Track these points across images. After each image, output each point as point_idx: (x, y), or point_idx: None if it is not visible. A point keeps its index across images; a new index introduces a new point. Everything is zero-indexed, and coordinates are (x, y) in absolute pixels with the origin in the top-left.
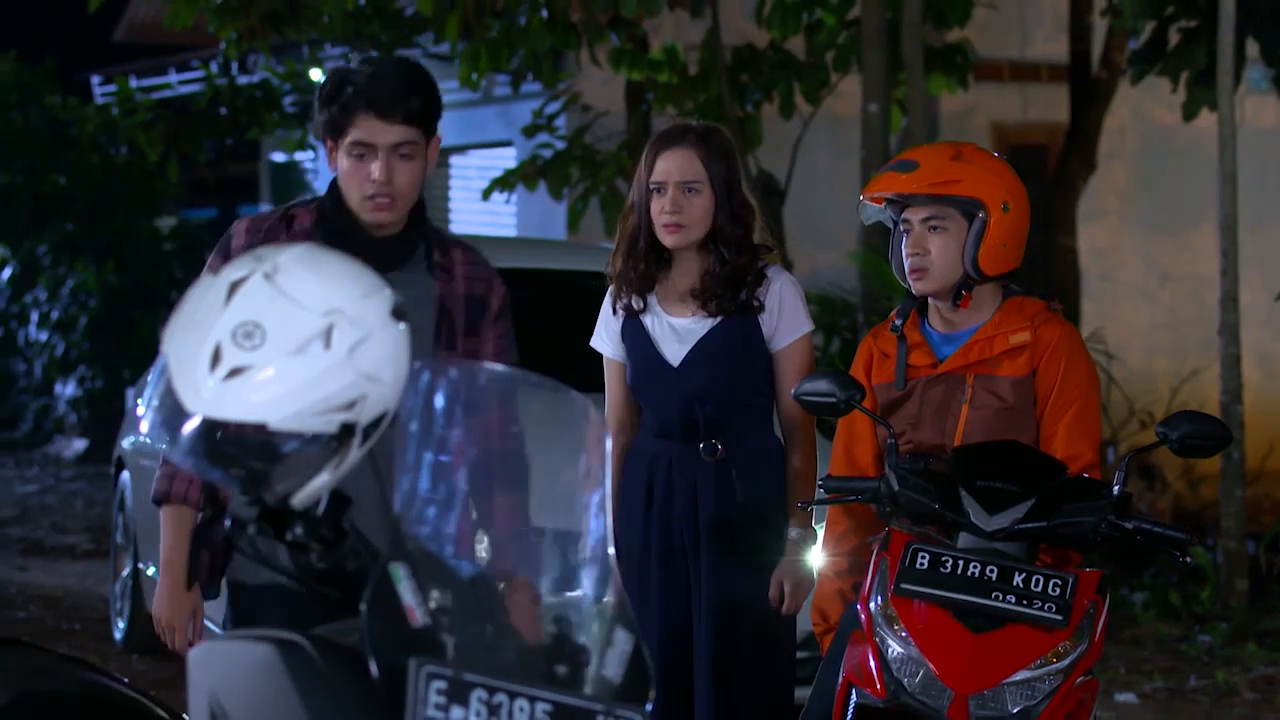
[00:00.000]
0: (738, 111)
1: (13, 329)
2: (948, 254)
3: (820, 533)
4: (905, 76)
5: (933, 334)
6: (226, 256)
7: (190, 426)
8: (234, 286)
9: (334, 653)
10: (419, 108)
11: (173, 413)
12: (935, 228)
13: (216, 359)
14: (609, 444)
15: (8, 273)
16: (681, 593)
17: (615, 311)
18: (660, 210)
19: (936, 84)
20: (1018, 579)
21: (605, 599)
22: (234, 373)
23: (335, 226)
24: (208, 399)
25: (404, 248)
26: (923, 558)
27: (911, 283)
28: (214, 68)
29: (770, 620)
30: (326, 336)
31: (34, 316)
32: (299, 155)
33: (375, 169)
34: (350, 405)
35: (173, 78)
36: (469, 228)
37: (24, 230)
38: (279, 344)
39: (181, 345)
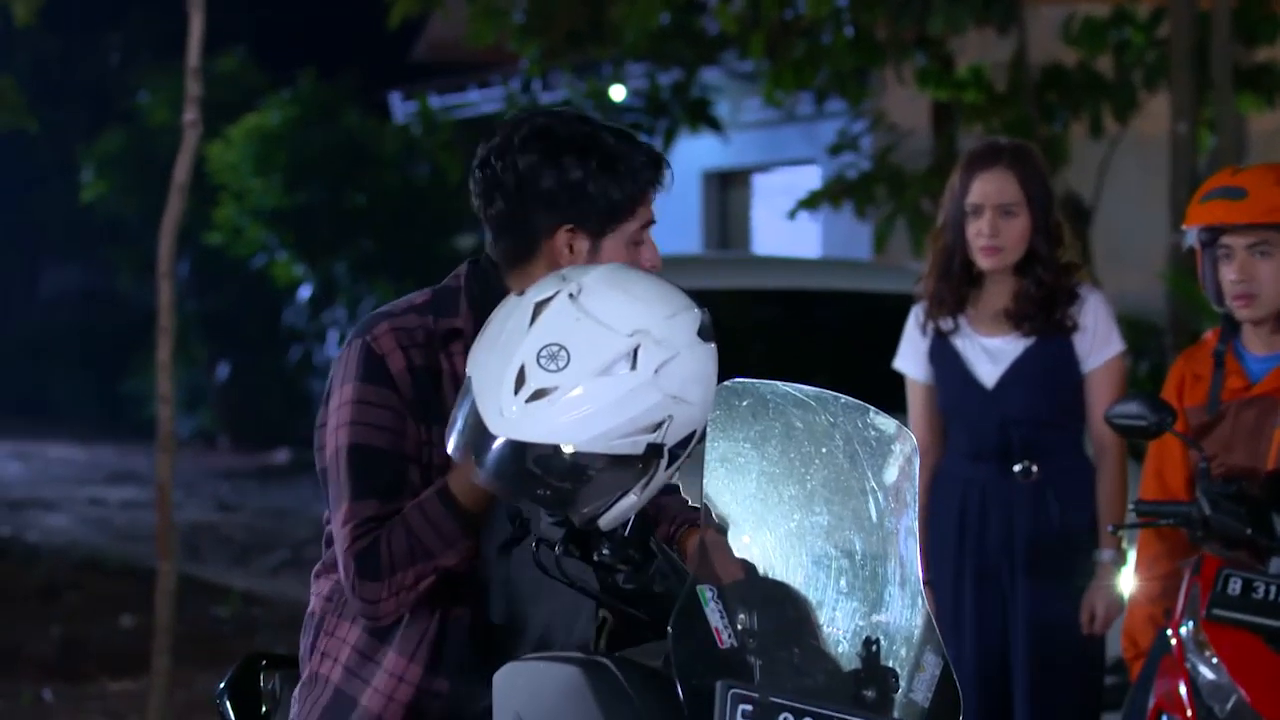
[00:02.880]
0: (1045, 131)
1: (311, 348)
2: (1277, 279)
3: (1131, 556)
4: (1214, 96)
5: (1245, 356)
6: (375, 376)
7: (497, 447)
8: (539, 308)
9: (639, 674)
10: None
11: (477, 434)
12: (1264, 253)
13: (521, 381)
14: (918, 466)
15: (307, 292)
16: (996, 616)
17: (924, 332)
18: (977, 233)
19: (1245, 103)
20: None
21: (914, 622)
22: (538, 394)
23: None
24: (512, 421)
25: None
26: (1235, 583)
27: (1236, 308)
28: (515, 86)
29: (1083, 644)
30: (632, 357)
31: (332, 335)
32: None
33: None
34: (657, 426)
35: (473, 95)
36: (772, 247)
37: (323, 249)
38: (584, 365)
39: (486, 367)
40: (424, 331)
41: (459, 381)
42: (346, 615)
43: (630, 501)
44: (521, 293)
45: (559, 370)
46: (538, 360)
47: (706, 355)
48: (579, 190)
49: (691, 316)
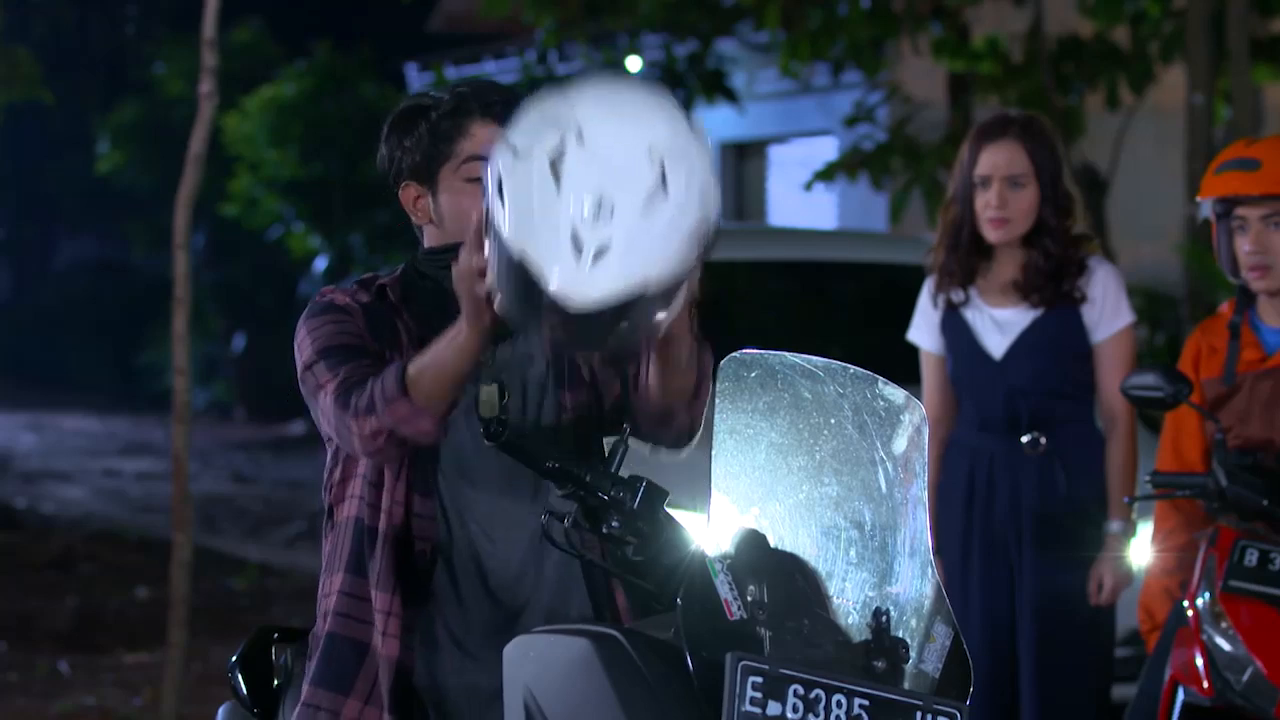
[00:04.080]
0: (1061, 102)
1: None
2: None
3: (1140, 527)
4: (1230, 67)
5: (1262, 327)
6: (322, 310)
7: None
8: (555, 166)
9: (649, 647)
10: None
11: (526, 298)
12: (1278, 224)
13: (578, 245)
14: (927, 436)
15: (322, 263)
16: (1003, 588)
17: (935, 304)
18: (985, 205)
19: (1261, 74)
20: None
21: (924, 593)
22: (601, 252)
23: (431, 297)
24: (588, 285)
25: None
26: (1251, 554)
27: (1251, 280)
28: (530, 57)
29: (1092, 616)
30: (663, 180)
31: None
32: None
33: None
34: (700, 238)
35: (489, 66)
36: (788, 218)
37: (338, 220)
38: (628, 207)
39: (535, 237)
40: (363, 289)
41: (409, 329)
42: (333, 569)
43: (662, 317)
44: (515, 153)
45: (607, 222)
46: (584, 219)
47: (707, 151)
48: (391, 151)
49: (675, 114)
